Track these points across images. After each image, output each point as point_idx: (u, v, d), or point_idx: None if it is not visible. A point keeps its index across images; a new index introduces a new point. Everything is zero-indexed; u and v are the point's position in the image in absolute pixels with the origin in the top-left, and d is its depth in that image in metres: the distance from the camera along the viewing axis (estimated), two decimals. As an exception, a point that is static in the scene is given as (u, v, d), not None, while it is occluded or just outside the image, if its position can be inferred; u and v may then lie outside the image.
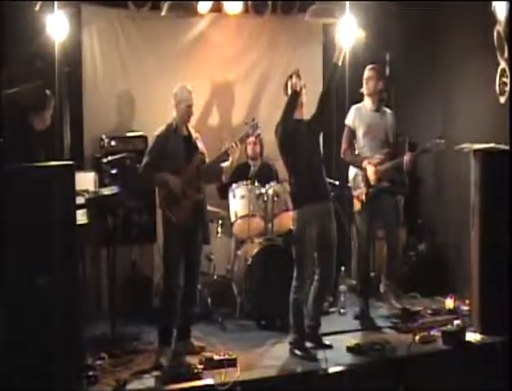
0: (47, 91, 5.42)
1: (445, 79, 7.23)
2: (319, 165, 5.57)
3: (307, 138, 5.51)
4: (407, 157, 6.10)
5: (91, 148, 6.70)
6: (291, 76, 5.58)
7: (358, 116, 6.29)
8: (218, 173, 5.75)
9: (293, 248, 5.57)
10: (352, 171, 6.33)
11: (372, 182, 6.15)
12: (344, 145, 6.33)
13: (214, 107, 7.20)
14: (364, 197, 6.17)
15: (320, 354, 5.36)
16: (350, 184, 6.36)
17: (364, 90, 6.29)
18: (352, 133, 6.31)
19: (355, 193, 6.25)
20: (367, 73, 6.28)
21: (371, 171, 6.14)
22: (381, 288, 6.67)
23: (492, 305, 5.74)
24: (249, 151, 6.85)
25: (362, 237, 6.31)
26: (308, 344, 5.55)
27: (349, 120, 6.33)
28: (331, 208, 5.60)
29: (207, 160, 5.69)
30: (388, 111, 6.39)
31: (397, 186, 6.33)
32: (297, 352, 5.46)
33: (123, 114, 6.90)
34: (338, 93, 6.40)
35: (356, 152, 6.31)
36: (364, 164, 6.18)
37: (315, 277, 5.62)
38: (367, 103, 6.32)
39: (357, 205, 6.25)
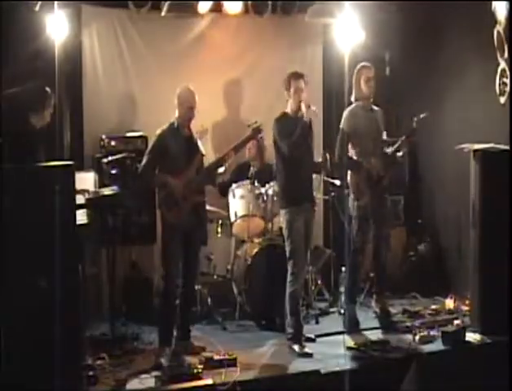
0: (47, 89, 5.43)
1: (445, 79, 7.23)
2: (309, 164, 5.70)
3: (303, 136, 5.57)
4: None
5: (91, 148, 6.70)
6: (294, 77, 5.59)
7: (352, 119, 6.12)
8: (212, 177, 5.79)
9: (286, 244, 5.64)
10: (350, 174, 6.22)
11: (368, 189, 6.05)
12: (339, 149, 6.11)
13: (214, 107, 7.19)
14: (356, 202, 6.09)
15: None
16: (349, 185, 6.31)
17: (358, 92, 6.11)
18: (347, 137, 6.12)
19: (351, 196, 6.15)
20: (366, 74, 6.08)
21: (369, 179, 6.04)
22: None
23: (492, 305, 5.74)
24: (247, 153, 6.85)
25: (354, 241, 6.14)
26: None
27: (343, 124, 6.15)
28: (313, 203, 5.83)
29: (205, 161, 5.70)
30: (376, 108, 6.23)
31: (395, 188, 6.24)
32: (294, 347, 5.49)
33: (123, 114, 6.90)
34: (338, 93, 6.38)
35: (351, 155, 6.15)
36: (363, 168, 6.06)
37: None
38: (359, 104, 6.16)
39: (352, 208, 6.16)
